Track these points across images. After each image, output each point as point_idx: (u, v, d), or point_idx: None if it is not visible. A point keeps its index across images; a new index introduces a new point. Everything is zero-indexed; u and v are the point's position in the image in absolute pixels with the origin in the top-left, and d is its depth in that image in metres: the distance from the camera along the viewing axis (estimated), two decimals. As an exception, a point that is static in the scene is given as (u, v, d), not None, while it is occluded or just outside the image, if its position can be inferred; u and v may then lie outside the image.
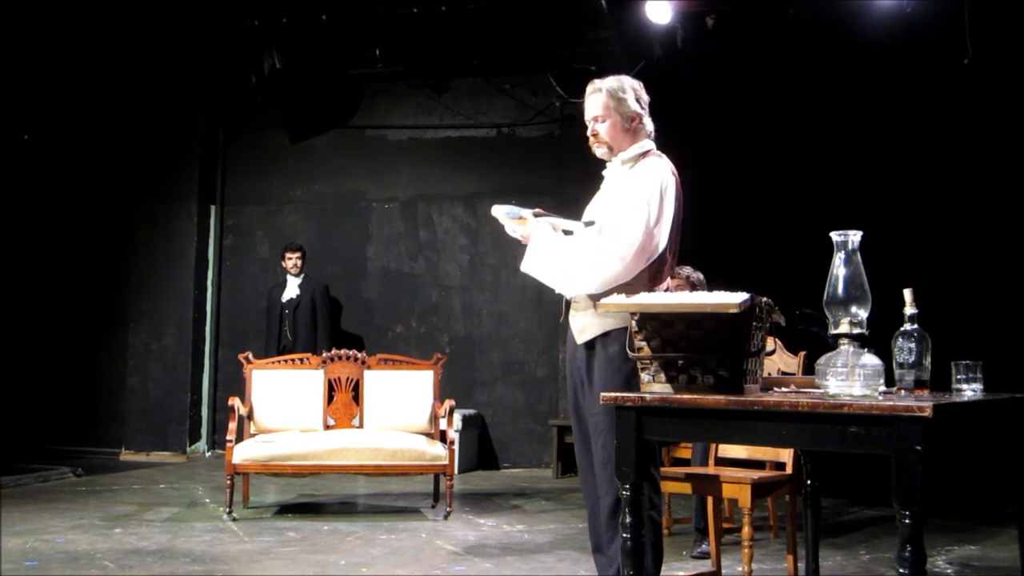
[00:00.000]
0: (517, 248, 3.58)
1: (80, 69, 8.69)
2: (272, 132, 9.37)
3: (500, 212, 3.42)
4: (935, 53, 7.17)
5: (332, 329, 8.75)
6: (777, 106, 7.77)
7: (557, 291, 3.40)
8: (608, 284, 3.18)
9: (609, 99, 3.40)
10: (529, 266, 3.40)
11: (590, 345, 3.30)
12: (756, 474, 4.02)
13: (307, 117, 9.32)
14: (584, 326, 3.30)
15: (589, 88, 3.47)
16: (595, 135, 3.43)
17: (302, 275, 8.63)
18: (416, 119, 9.27)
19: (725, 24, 7.47)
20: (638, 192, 3.27)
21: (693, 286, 5.00)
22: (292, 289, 8.59)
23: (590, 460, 3.38)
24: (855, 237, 2.57)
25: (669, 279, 3.38)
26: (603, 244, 3.24)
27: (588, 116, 3.45)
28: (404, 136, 9.32)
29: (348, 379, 6.32)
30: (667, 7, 7.24)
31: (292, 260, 8.58)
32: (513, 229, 3.41)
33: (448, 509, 5.97)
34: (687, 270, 5.12)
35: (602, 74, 3.52)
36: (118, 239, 9.45)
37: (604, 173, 3.52)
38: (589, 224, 3.34)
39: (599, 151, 3.46)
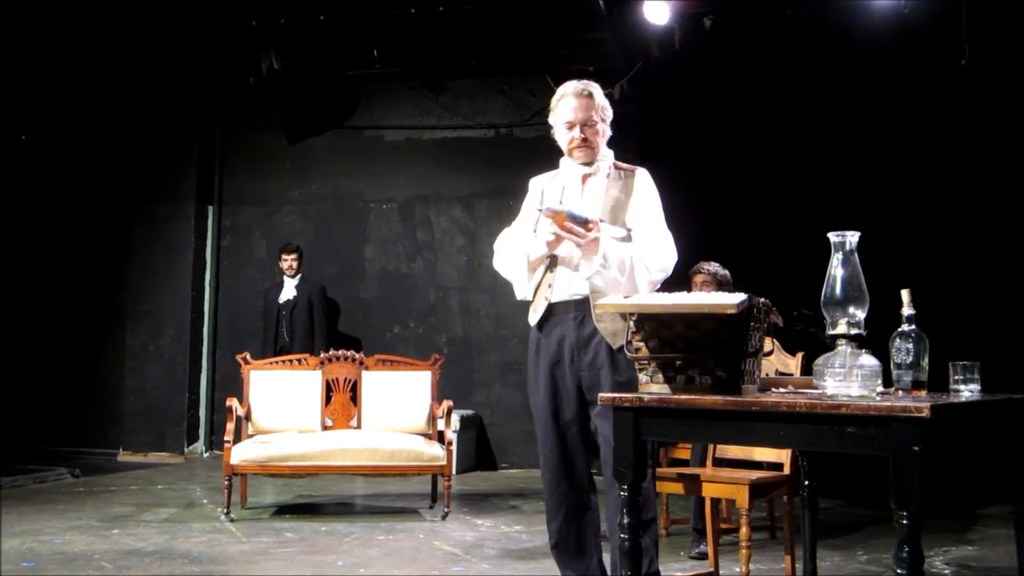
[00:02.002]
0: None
1: (78, 70, 8.69)
2: (270, 133, 9.37)
3: (558, 210, 3.17)
4: (932, 54, 7.19)
5: (329, 330, 8.75)
6: (775, 107, 7.78)
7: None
8: (653, 291, 3.30)
9: (598, 105, 3.46)
10: (600, 275, 3.25)
11: (620, 349, 3.27)
12: (754, 475, 4.02)
13: (305, 118, 9.32)
14: (617, 330, 3.26)
15: (573, 89, 3.46)
16: (585, 139, 3.43)
17: (298, 276, 8.63)
18: (414, 119, 9.27)
19: (723, 25, 7.48)
20: (656, 204, 3.45)
21: (720, 284, 4.97)
22: (289, 290, 8.59)
23: (569, 465, 3.42)
24: (853, 238, 2.56)
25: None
26: (660, 254, 3.35)
27: (577, 118, 3.42)
28: (402, 136, 9.32)
29: (346, 380, 6.32)
30: (665, 8, 7.26)
31: (288, 261, 8.59)
32: (578, 232, 3.19)
33: (446, 510, 5.97)
34: (714, 266, 5.09)
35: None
36: (116, 240, 9.44)
37: (572, 174, 3.50)
38: (629, 231, 3.39)
39: (583, 154, 3.45)
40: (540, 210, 3.27)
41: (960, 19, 6.89)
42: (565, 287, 3.38)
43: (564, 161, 3.54)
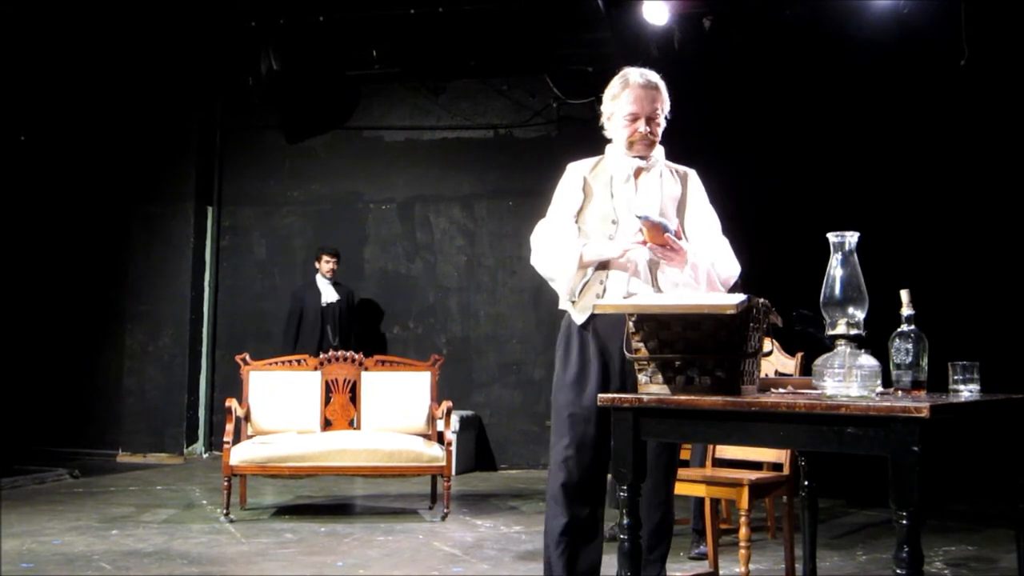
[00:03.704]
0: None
1: (77, 70, 8.69)
2: (269, 133, 9.38)
3: (656, 221, 3.13)
4: (931, 54, 7.19)
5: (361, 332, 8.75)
6: (774, 107, 7.78)
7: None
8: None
9: (663, 98, 3.37)
10: (690, 286, 3.23)
11: None
12: (753, 475, 4.02)
13: (304, 118, 9.33)
14: None
15: (639, 80, 3.34)
16: (651, 132, 3.34)
17: (335, 278, 8.62)
18: (413, 120, 9.27)
19: (722, 25, 7.48)
20: (713, 211, 3.49)
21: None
22: (329, 292, 8.55)
23: (601, 468, 3.30)
24: (852, 238, 2.56)
25: None
26: (728, 268, 3.38)
27: (643, 110, 3.32)
28: (401, 137, 9.32)
29: (345, 380, 6.32)
30: (664, 8, 7.26)
31: (330, 264, 8.56)
32: (673, 246, 3.16)
33: (445, 510, 5.97)
34: None
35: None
36: (115, 240, 9.44)
37: (624, 166, 3.39)
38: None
39: (643, 148, 3.35)
40: (639, 216, 3.14)
41: (959, 19, 6.89)
42: (621, 289, 3.28)
43: (613, 150, 3.42)
